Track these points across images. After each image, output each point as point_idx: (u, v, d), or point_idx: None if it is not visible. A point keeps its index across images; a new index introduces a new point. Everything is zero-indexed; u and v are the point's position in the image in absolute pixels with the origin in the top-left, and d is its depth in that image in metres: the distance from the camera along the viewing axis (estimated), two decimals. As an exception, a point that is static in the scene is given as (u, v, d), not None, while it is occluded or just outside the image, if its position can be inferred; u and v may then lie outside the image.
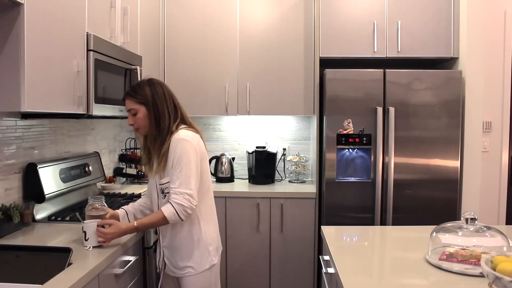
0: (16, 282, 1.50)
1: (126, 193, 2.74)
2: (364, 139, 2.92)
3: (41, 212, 2.13)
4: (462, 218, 1.58)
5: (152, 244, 2.15)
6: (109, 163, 3.10)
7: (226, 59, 3.34)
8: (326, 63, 3.23)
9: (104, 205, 1.82)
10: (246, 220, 3.13)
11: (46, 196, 2.08)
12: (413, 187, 2.93)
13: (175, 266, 1.86)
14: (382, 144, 2.91)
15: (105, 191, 2.82)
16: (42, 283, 1.33)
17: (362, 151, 2.94)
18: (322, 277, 2.05)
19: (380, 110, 2.89)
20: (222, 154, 3.50)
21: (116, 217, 1.89)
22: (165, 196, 1.82)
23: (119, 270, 1.76)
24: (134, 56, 2.57)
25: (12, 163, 2.01)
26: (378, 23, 3.06)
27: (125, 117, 2.57)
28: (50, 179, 2.15)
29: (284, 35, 3.30)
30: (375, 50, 3.06)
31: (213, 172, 3.46)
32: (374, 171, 2.92)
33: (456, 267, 1.44)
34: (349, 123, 2.93)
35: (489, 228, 1.56)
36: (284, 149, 3.70)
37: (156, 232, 2.04)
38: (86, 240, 1.68)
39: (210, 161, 3.46)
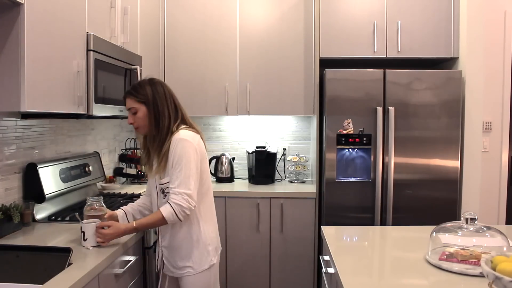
0: (16, 282, 1.50)
1: (126, 193, 2.74)
2: (364, 139, 2.92)
3: (41, 212, 2.13)
4: (462, 218, 1.58)
5: (152, 244, 2.15)
6: (109, 163, 3.10)
7: (226, 59, 3.34)
8: (326, 63, 3.23)
9: (103, 206, 1.82)
10: (246, 220, 3.13)
11: (46, 196, 2.09)
12: (413, 187, 2.93)
13: (174, 266, 1.86)
14: (382, 144, 2.91)
15: (105, 191, 2.82)
16: (42, 283, 1.33)
17: (362, 151, 2.94)
18: (322, 277, 2.05)
19: (380, 110, 2.89)
20: (222, 154, 3.50)
21: (115, 218, 1.89)
22: (165, 196, 1.82)
23: (119, 270, 1.76)
24: (134, 56, 2.57)
25: (12, 163, 2.01)
26: (378, 23, 3.06)
27: (125, 117, 2.57)
28: (50, 179, 2.15)
29: (284, 35, 3.30)
30: (375, 50, 3.06)
31: (213, 172, 3.46)
32: (374, 171, 2.92)
33: (456, 267, 1.44)
34: (349, 123, 2.93)
35: (489, 228, 1.56)
36: (284, 149, 3.70)
37: (156, 232, 2.04)
38: (84, 240, 1.68)
39: (210, 161, 3.46)
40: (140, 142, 1.95)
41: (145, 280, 2.11)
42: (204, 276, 1.85)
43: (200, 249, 1.84)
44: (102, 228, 1.70)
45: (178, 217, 1.73)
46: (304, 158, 3.51)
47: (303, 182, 3.52)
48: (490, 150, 3.57)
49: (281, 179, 3.62)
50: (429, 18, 3.05)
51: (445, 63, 3.29)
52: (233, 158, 3.60)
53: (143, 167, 2.96)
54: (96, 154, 2.74)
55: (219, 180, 3.47)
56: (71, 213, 2.13)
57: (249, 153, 3.45)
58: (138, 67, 2.54)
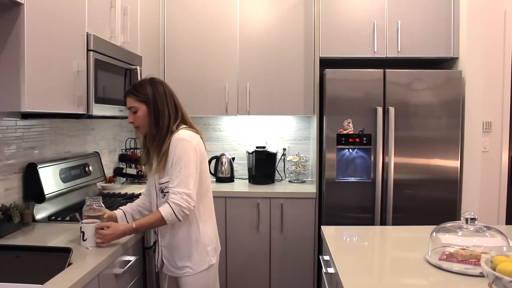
0: (16, 282, 1.50)
1: (126, 193, 2.74)
2: (364, 139, 2.92)
3: (41, 212, 2.13)
4: (462, 218, 1.58)
5: (152, 244, 2.15)
6: (109, 163, 3.10)
7: (226, 59, 3.34)
8: (326, 63, 3.23)
9: (102, 206, 1.82)
10: (246, 220, 3.13)
11: (46, 196, 2.09)
12: (413, 187, 2.93)
13: (173, 265, 1.86)
14: (382, 144, 2.91)
15: (105, 191, 2.82)
16: (42, 283, 1.33)
17: (362, 151, 2.94)
18: (322, 277, 2.05)
19: (380, 110, 2.89)
20: (222, 154, 3.50)
21: (114, 218, 1.89)
22: (164, 195, 1.82)
23: (119, 270, 1.76)
24: (134, 56, 2.57)
25: (12, 163, 2.01)
26: (378, 23, 3.06)
27: (125, 117, 2.57)
28: (50, 179, 2.15)
29: (284, 35, 3.30)
30: (375, 50, 3.06)
31: (213, 172, 3.46)
32: (374, 171, 2.92)
33: (456, 267, 1.44)
34: (349, 123, 2.93)
35: (489, 228, 1.56)
36: (284, 149, 3.70)
37: (155, 232, 2.04)
38: (84, 240, 1.68)
39: (210, 161, 3.46)
40: (140, 142, 1.95)
41: (145, 280, 2.11)
42: (203, 276, 1.85)
43: (199, 249, 1.84)
44: (102, 229, 1.70)
45: (177, 217, 1.72)
46: (304, 158, 3.51)
47: (303, 182, 3.52)
48: (490, 150, 3.57)
49: (281, 179, 3.62)
50: (429, 18, 3.05)
51: (445, 63, 3.29)
52: (233, 158, 3.60)
53: (143, 167, 2.96)
54: (96, 154, 2.74)
55: (219, 180, 3.47)
56: (71, 213, 2.13)
57: (249, 153, 3.45)
58: (138, 67, 2.54)
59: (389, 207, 2.90)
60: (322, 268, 1.86)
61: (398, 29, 3.05)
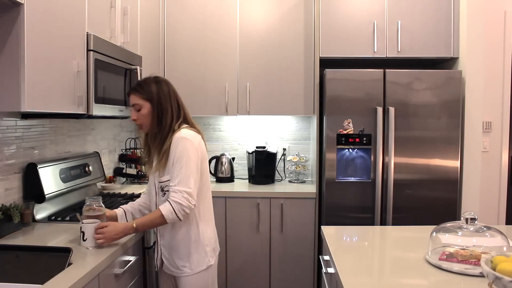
0: (16, 282, 1.50)
1: (126, 193, 2.74)
2: (364, 139, 2.92)
3: (41, 212, 2.13)
4: (462, 218, 1.58)
5: (152, 244, 2.15)
6: (109, 163, 3.10)
7: (226, 59, 3.34)
8: (326, 63, 3.23)
9: (102, 206, 1.82)
10: (246, 220, 3.13)
11: (46, 196, 2.08)
12: (413, 187, 2.93)
13: (172, 265, 1.86)
14: (382, 144, 2.91)
15: (105, 191, 2.82)
16: (42, 283, 1.33)
17: (362, 151, 2.94)
18: (322, 277, 2.05)
19: (380, 110, 2.89)
20: (222, 154, 3.50)
21: (114, 217, 1.89)
22: (164, 193, 1.82)
23: (119, 270, 1.76)
24: (134, 56, 2.57)
25: (12, 163, 2.01)
26: (378, 23, 3.06)
27: (125, 117, 2.57)
28: (50, 179, 2.15)
29: (284, 35, 3.30)
30: (375, 50, 3.06)
31: (213, 172, 3.46)
32: (374, 171, 2.92)
33: (456, 267, 1.44)
34: (349, 123, 2.93)
35: (489, 228, 1.56)
36: (284, 149, 3.70)
37: (155, 232, 2.04)
38: (84, 240, 1.68)
39: (210, 161, 3.46)
40: (142, 139, 1.95)
41: (145, 280, 2.11)
42: (202, 277, 1.85)
43: (197, 250, 1.84)
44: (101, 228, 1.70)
45: (177, 216, 1.72)
46: (304, 158, 3.51)
47: (303, 182, 3.52)
48: (490, 150, 3.57)
49: (281, 179, 3.62)
50: (429, 18, 3.05)
51: (445, 63, 3.29)
52: (233, 158, 3.60)
53: (143, 167, 2.96)
54: (96, 154, 2.74)
55: (219, 180, 3.47)
56: (71, 213, 2.14)
57: (249, 153, 3.45)
58: (138, 67, 2.54)
59: (389, 207, 2.90)
60: (322, 268, 1.86)
61: (398, 29, 3.05)
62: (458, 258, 1.48)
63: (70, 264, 1.50)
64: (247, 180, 3.54)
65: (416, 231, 1.98)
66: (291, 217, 3.11)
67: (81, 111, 1.99)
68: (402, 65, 3.26)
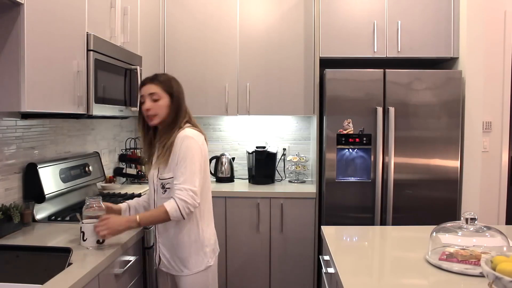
0: (16, 282, 1.50)
1: (126, 193, 2.74)
2: (364, 139, 2.92)
3: (41, 212, 2.13)
4: (462, 218, 1.58)
5: (152, 244, 2.15)
6: (109, 163, 3.10)
7: (226, 59, 3.34)
8: (326, 63, 3.23)
9: (102, 206, 1.82)
10: (246, 220, 3.13)
11: (46, 196, 2.08)
12: (413, 187, 2.93)
13: (171, 264, 1.86)
14: (382, 144, 2.91)
15: (105, 191, 2.82)
16: (42, 283, 1.33)
17: (362, 151, 2.94)
18: (322, 277, 2.05)
19: (380, 110, 2.89)
20: (222, 154, 3.50)
21: (118, 212, 1.89)
22: (165, 191, 1.81)
23: (119, 270, 1.76)
24: (134, 56, 2.57)
25: (12, 163, 2.01)
26: (378, 23, 3.06)
27: (125, 117, 2.57)
28: (50, 179, 2.15)
29: (284, 35, 3.30)
30: (375, 50, 3.06)
31: (213, 172, 3.46)
32: (374, 171, 2.92)
33: (456, 267, 1.44)
34: (349, 123, 2.93)
35: (489, 228, 1.56)
36: (284, 149, 3.70)
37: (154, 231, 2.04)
38: (84, 240, 1.68)
39: (210, 161, 3.46)
40: (140, 134, 1.92)
41: (145, 280, 2.11)
42: (201, 277, 1.84)
43: (197, 250, 1.83)
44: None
45: (181, 213, 1.71)
46: (304, 158, 3.51)
47: (303, 182, 3.52)
48: (490, 150, 3.57)
49: (281, 179, 3.62)
50: (429, 18, 3.05)
51: (445, 63, 3.29)
52: (233, 158, 3.60)
53: (143, 166, 2.96)
54: (96, 154, 2.74)
55: (219, 180, 3.47)
56: (71, 213, 2.14)
57: (249, 153, 3.45)
58: (138, 67, 2.54)
59: (389, 207, 2.90)
60: (322, 268, 1.86)
61: (398, 29, 3.05)
62: (458, 258, 1.48)
63: (70, 264, 1.50)
64: (247, 180, 3.54)
65: (416, 231, 1.98)
66: (291, 217, 3.11)
67: (81, 111, 1.99)
68: (402, 65, 3.26)
